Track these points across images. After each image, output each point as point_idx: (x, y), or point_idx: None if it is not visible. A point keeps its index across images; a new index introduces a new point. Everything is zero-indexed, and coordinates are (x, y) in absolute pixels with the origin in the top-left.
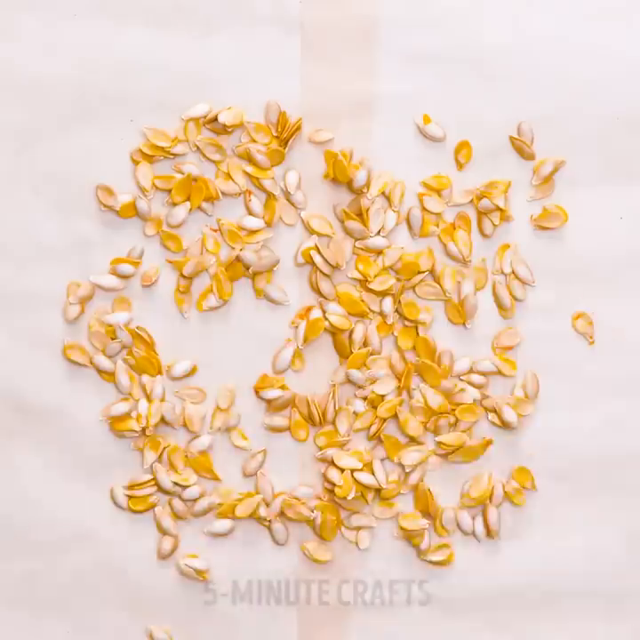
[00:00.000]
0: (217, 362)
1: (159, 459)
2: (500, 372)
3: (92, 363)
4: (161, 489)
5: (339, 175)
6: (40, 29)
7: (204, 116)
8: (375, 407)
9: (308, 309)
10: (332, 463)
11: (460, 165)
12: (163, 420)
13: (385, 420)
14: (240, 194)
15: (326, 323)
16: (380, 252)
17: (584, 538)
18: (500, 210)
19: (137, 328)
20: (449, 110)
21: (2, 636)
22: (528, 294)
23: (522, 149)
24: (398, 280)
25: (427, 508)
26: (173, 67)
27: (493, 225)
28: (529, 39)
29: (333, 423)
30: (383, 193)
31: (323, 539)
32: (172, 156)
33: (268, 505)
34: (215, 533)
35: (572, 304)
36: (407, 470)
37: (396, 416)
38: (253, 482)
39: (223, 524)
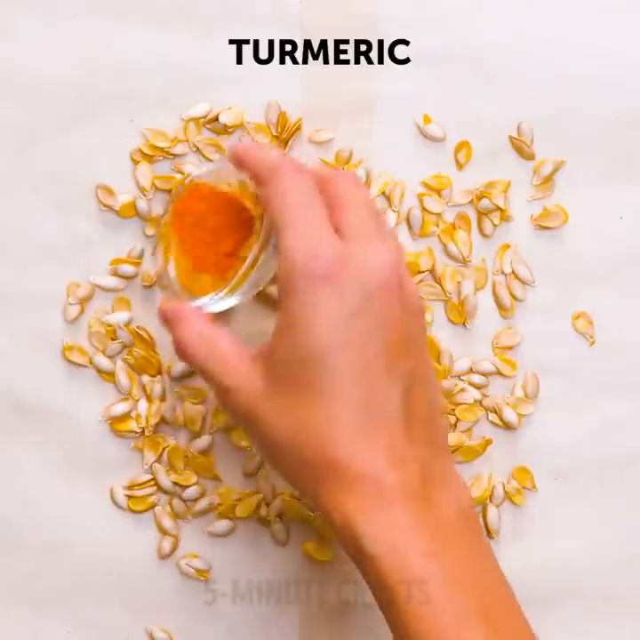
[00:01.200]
0: None
1: (159, 459)
2: (499, 372)
3: (91, 363)
4: (161, 489)
5: None
6: (40, 29)
7: (204, 116)
8: None
9: None
10: None
11: (459, 165)
12: (163, 420)
13: None
14: None
15: None
16: None
17: (584, 538)
18: (500, 210)
19: (137, 328)
20: (449, 110)
21: (2, 636)
22: (528, 294)
23: (522, 149)
24: None
25: None
26: (173, 67)
27: (493, 225)
28: (529, 39)
29: None
30: (383, 193)
31: (323, 538)
32: (171, 156)
33: (268, 505)
34: (215, 533)
35: (572, 304)
36: None
37: None
38: (253, 482)
39: (223, 524)
